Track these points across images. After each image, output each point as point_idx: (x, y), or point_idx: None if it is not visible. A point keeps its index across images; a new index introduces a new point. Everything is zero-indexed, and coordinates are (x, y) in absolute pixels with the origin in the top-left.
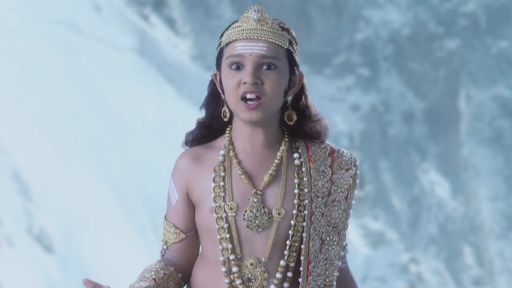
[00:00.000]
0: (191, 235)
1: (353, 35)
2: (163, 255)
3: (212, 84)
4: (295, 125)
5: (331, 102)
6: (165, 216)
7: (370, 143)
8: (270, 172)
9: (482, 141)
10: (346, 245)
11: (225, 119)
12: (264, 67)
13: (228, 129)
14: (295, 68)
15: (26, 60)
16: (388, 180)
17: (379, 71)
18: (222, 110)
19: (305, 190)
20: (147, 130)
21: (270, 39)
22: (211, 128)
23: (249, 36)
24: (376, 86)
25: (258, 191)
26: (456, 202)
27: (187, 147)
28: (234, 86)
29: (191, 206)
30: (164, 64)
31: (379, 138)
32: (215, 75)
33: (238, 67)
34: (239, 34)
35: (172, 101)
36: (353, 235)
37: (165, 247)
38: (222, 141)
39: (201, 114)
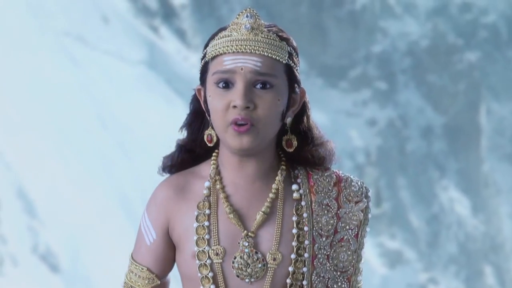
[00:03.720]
0: (165, 280)
1: (369, 47)
2: None
3: (195, 101)
4: (294, 150)
5: (347, 116)
6: (132, 256)
7: (387, 159)
8: (263, 209)
9: (504, 157)
10: None
11: (210, 144)
12: (258, 85)
13: (214, 154)
14: (296, 85)
15: (31, 73)
16: (406, 197)
17: (396, 85)
18: (207, 133)
19: (305, 228)
20: (156, 145)
21: (265, 53)
22: (193, 152)
23: (240, 49)
24: (393, 100)
25: (249, 233)
26: (476, 220)
27: (164, 174)
28: (221, 109)
29: (171, 247)
30: (174, 77)
31: (397, 154)
32: (198, 90)
33: (227, 85)
34: (228, 46)
35: (182, 115)
36: (370, 254)
37: None
38: (208, 168)
39: (182, 135)
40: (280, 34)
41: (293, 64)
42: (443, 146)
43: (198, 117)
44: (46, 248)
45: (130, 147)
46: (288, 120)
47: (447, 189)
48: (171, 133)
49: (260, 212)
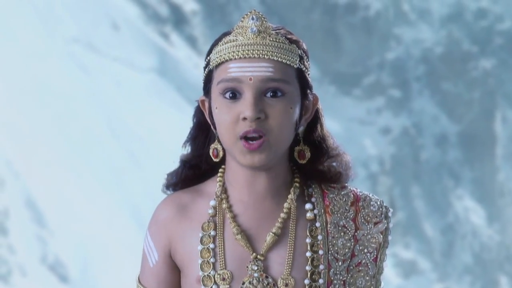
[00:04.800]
0: None
1: (383, 54)
2: None
3: (199, 113)
4: (308, 162)
5: (360, 124)
6: (138, 279)
7: (401, 167)
8: (274, 230)
9: None
10: None
11: (216, 159)
12: (269, 94)
13: (221, 170)
14: (308, 91)
15: (40, 80)
16: (420, 206)
17: (410, 92)
18: (212, 148)
19: (320, 252)
20: (167, 154)
21: (275, 57)
22: (198, 168)
23: (248, 54)
24: (407, 107)
25: (259, 256)
26: (491, 229)
27: (168, 192)
28: (230, 122)
29: (175, 270)
30: (185, 84)
31: (411, 163)
32: (202, 101)
33: (234, 95)
34: (233, 52)
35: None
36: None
37: None
38: (214, 185)
39: (186, 150)
40: (289, 36)
41: (304, 68)
42: (458, 154)
43: (202, 131)
44: (55, 258)
45: (140, 155)
46: (301, 129)
47: (462, 198)
48: (181, 141)
49: (271, 233)
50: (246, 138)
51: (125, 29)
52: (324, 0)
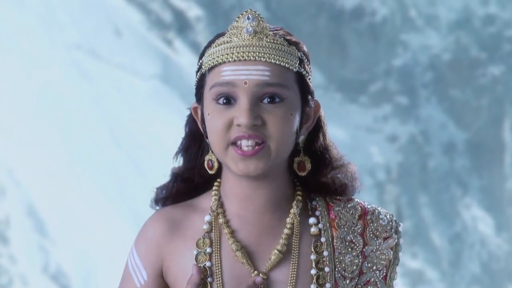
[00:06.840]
0: None
1: (390, 61)
2: None
3: (192, 122)
4: (310, 174)
5: (367, 132)
6: None
7: (409, 176)
8: (279, 247)
9: None
10: None
11: (211, 172)
12: (266, 99)
13: (216, 183)
14: (309, 96)
15: (41, 87)
16: (427, 215)
17: (418, 99)
18: (207, 159)
19: (326, 269)
20: (170, 162)
21: (273, 60)
22: (191, 181)
23: (242, 56)
24: (414, 115)
25: (260, 275)
26: (500, 239)
27: (157, 208)
28: (222, 128)
29: None
30: (188, 91)
31: (418, 171)
32: (194, 109)
33: (228, 100)
34: (227, 54)
35: None
36: None
37: None
38: (208, 200)
39: (178, 162)
40: (288, 37)
41: (304, 72)
42: (465, 162)
43: (195, 141)
44: (57, 267)
45: (143, 163)
46: (301, 138)
47: (470, 207)
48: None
49: (275, 251)
50: (236, 144)
51: (128, 35)
52: (330, 6)
